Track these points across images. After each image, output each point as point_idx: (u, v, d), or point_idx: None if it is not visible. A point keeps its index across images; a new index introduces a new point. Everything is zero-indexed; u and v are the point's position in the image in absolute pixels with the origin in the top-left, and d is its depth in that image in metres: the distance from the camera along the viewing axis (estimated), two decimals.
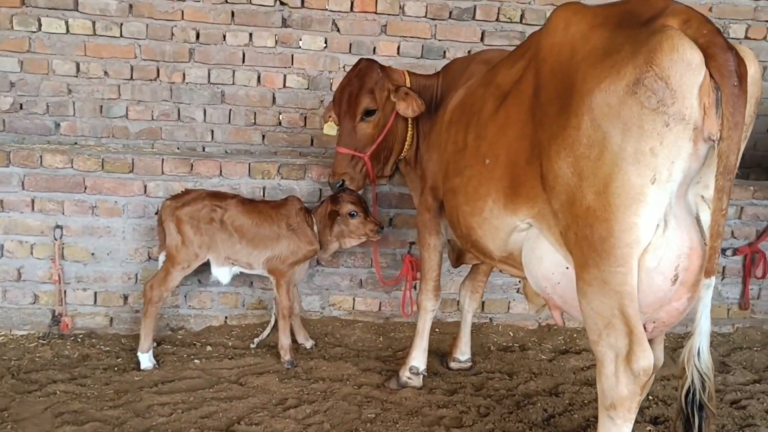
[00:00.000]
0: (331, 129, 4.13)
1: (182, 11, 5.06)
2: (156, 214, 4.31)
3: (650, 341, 2.66)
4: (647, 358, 2.45)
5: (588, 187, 2.46)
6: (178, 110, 5.22)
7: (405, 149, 4.06)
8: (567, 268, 2.72)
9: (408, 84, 3.95)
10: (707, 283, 2.40)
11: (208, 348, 4.31)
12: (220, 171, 4.42)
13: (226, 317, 4.61)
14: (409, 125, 4.00)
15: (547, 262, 2.81)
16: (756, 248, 4.71)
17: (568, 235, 2.60)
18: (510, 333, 4.75)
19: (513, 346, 4.58)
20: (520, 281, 4.57)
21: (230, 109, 5.25)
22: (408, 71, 4.06)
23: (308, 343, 4.38)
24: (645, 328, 2.67)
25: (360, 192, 4.10)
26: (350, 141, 3.89)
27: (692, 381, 2.51)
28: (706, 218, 2.46)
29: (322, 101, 5.28)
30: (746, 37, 5.45)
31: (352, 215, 4.06)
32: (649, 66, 2.29)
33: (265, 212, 4.11)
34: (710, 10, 5.38)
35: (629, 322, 2.46)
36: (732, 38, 5.35)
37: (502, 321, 4.83)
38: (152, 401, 3.58)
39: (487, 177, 3.02)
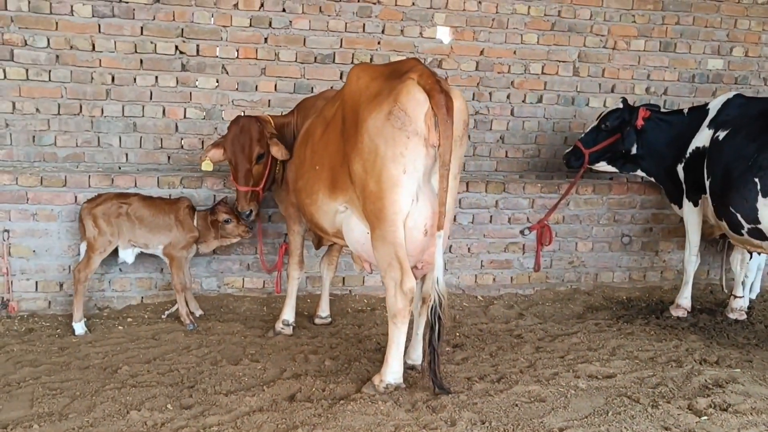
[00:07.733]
0: (207, 166, 5.31)
1: (100, 60, 6.34)
2: None
3: (424, 277, 4.25)
4: (412, 282, 3.96)
5: (370, 178, 3.98)
6: (98, 138, 6.47)
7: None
8: (368, 233, 4.21)
9: (273, 125, 5.31)
10: (438, 234, 3.97)
11: (129, 319, 5.61)
12: (135, 183, 5.75)
13: (142, 297, 5.91)
14: None
15: (357, 231, 4.32)
16: (543, 224, 6.40)
17: (365, 210, 4.11)
18: (365, 300, 6.25)
19: (365, 309, 6.07)
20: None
21: (141, 137, 6.54)
22: (270, 115, 5.43)
23: (198, 312, 5.70)
24: (417, 267, 4.21)
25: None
26: (248, 180, 5.14)
27: (434, 300, 4.05)
28: None
29: (216, 128, 6.65)
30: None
31: (227, 221, 5.48)
32: (396, 102, 3.85)
33: (160, 206, 5.47)
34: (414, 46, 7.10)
35: (401, 262, 3.97)
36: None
37: (359, 292, 6.33)
38: (89, 351, 4.86)
39: (317, 178, 4.51)
